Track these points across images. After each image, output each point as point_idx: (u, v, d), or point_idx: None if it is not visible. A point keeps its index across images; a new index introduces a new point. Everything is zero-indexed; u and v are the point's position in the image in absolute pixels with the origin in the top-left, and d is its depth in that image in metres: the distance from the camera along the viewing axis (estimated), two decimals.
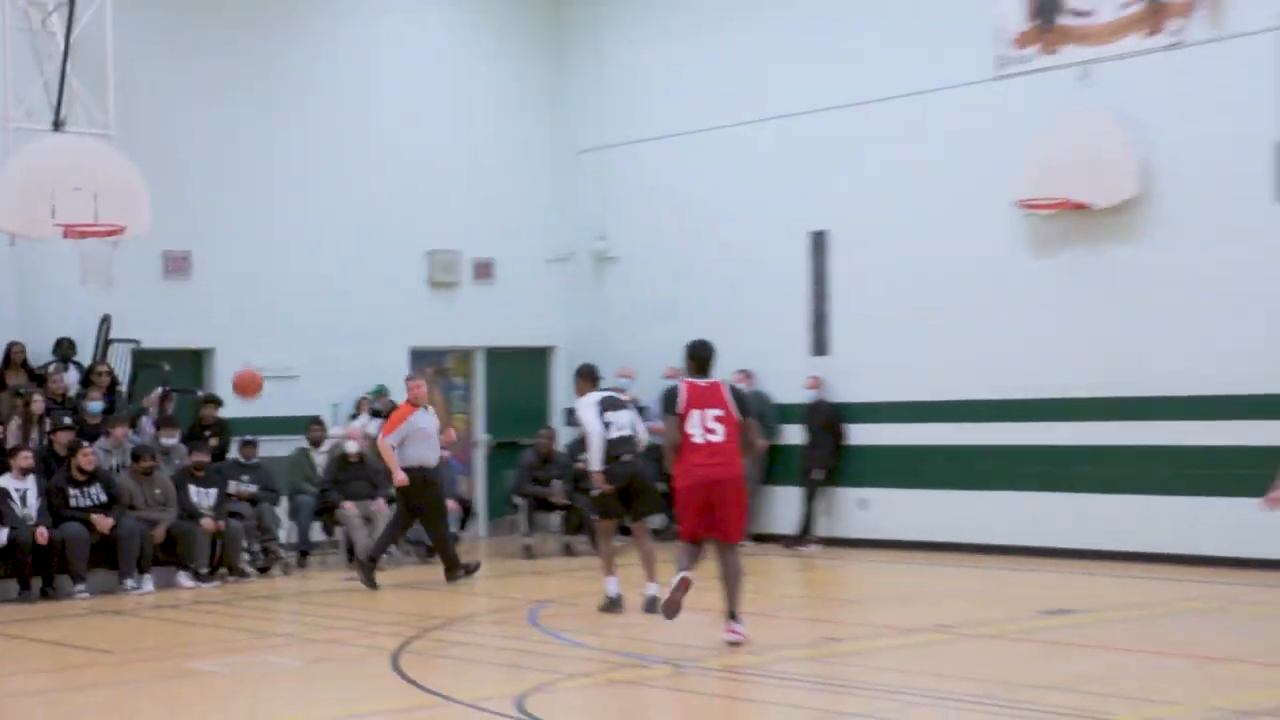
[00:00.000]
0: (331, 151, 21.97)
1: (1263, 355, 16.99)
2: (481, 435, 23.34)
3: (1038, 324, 18.79)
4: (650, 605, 14.26)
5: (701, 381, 13.00)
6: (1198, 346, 17.56)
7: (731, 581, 12.76)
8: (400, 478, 17.32)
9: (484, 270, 23.21)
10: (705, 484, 12.68)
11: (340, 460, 19.69)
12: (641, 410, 15.77)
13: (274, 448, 20.19)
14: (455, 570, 17.61)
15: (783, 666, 12.19)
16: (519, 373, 23.46)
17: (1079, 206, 18.26)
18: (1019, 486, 18.93)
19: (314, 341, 21.51)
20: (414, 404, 17.78)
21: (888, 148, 20.16)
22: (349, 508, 19.27)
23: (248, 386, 18.93)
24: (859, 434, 20.43)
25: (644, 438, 15.08)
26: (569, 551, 20.19)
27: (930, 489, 19.75)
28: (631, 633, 13.77)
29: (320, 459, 20.07)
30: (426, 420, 17.73)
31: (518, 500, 20.57)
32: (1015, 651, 12.51)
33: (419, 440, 17.56)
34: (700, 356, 13.14)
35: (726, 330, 20.09)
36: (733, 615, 12.77)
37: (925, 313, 19.76)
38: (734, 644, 12.62)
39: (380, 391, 21.38)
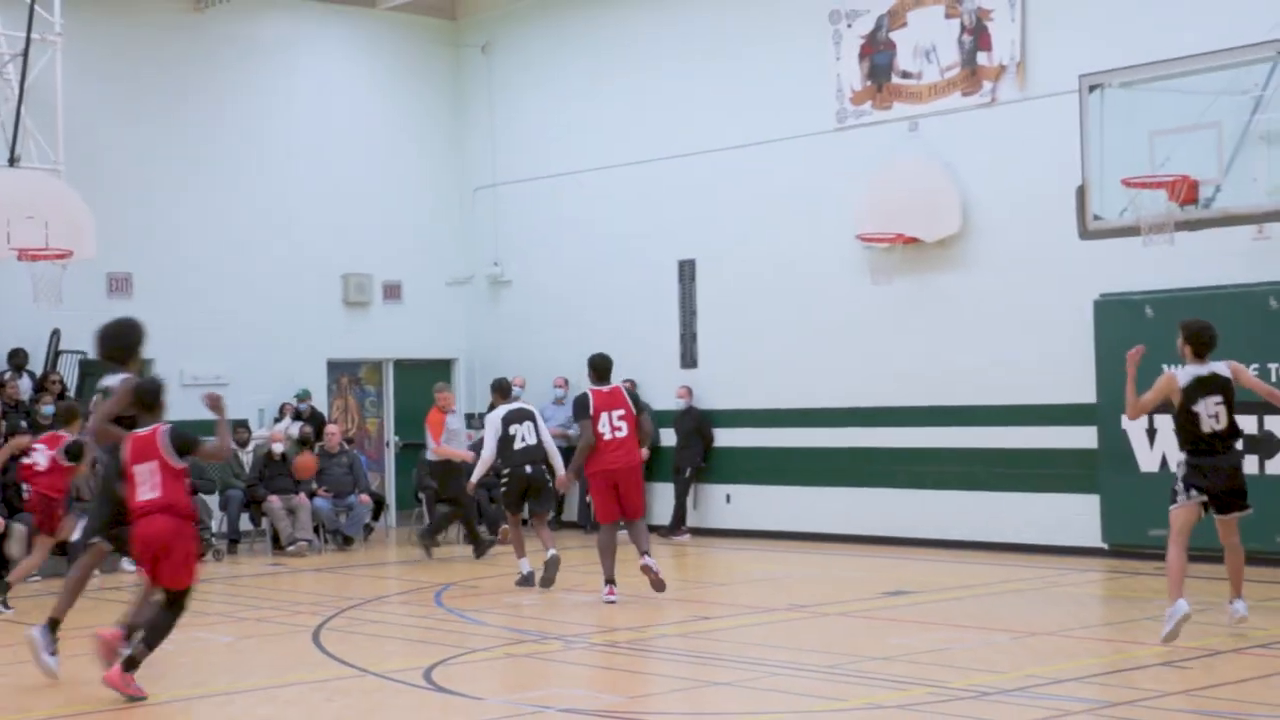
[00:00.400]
0: (258, 185, 21.80)
1: (1068, 369, 17.10)
2: (391, 437, 23.06)
3: (877, 341, 18.82)
4: (528, 582, 14.99)
5: (604, 388, 14.03)
6: (1012, 362, 17.66)
7: (640, 535, 13.92)
8: (466, 455, 17.53)
9: (393, 291, 22.99)
10: (616, 471, 13.78)
11: (266, 458, 19.46)
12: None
13: None
14: (481, 546, 17.88)
15: (660, 642, 12.12)
16: (424, 381, 23.01)
17: (910, 240, 18.33)
18: (863, 483, 18.92)
19: (242, 353, 21.29)
20: (443, 410, 18.18)
21: (746, 188, 20.17)
22: (274, 501, 19.05)
23: (308, 468, 19.08)
24: (723, 437, 20.35)
25: (550, 442, 15.26)
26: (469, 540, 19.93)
27: (786, 485, 19.69)
28: (526, 612, 13.68)
29: (247, 458, 19.81)
30: (456, 422, 18.34)
31: (421, 494, 20.32)
32: (861, 628, 12.49)
33: (451, 439, 18.10)
34: (601, 368, 14.18)
35: (606, 346, 19.84)
36: (645, 553, 13.81)
37: (780, 331, 19.74)
38: (651, 571, 13.69)
39: (304, 394, 21.24)
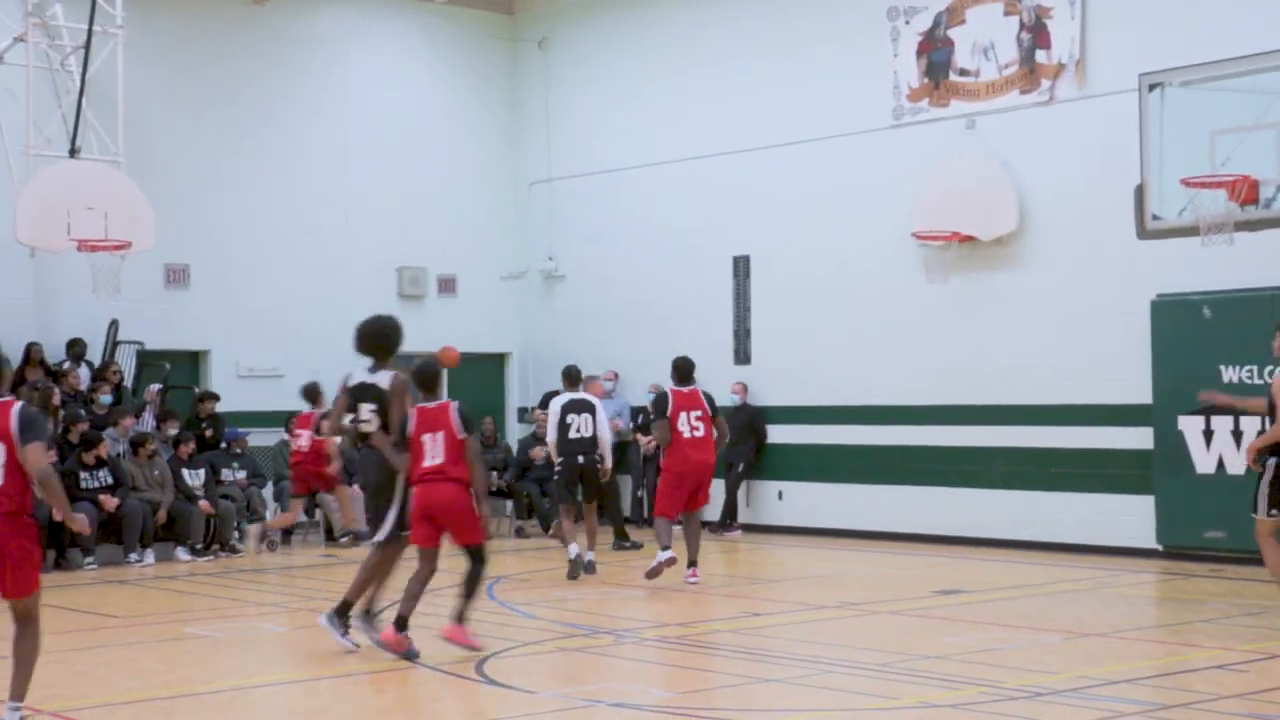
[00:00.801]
0: (315, 178, 21.88)
1: (1124, 370, 17.00)
2: None
3: (931, 340, 18.76)
4: (575, 570, 15.33)
5: (684, 389, 14.75)
6: (1068, 361, 17.56)
7: (694, 539, 14.77)
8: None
9: (447, 285, 23.05)
10: (695, 468, 14.54)
11: None
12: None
13: (261, 438, 20.05)
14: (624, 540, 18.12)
15: (711, 638, 12.10)
16: (478, 376, 23.26)
17: (967, 238, 18.26)
18: (916, 481, 18.87)
19: (296, 345, 21.36)
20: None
21: (802, 184, 20.13)
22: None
23: (453, 358, 18.91)
24: (776, 433, 20.32)
25: (605, 435, 15.49)
26: (520, 534, 19.99)
27: (838, 483, 19.66)
28: (577, 606, 13.68)
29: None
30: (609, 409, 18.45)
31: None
32: (913, 626, 12.44)
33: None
34: (684, 369, 14.85)
35: (659, 341, 20.09)
36: (693, 563, 14.61)
37: (834, 329, 19.71)
38: (693, 583, 14.43)
39: None
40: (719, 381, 20.52)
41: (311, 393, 18.29)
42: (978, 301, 18.36)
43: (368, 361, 11.53)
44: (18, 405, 8.31)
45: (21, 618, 8.50)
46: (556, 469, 15.70)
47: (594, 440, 15.48)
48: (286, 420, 19.23)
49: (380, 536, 11.19)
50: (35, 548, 8.47)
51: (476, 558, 10.95)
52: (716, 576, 15.34)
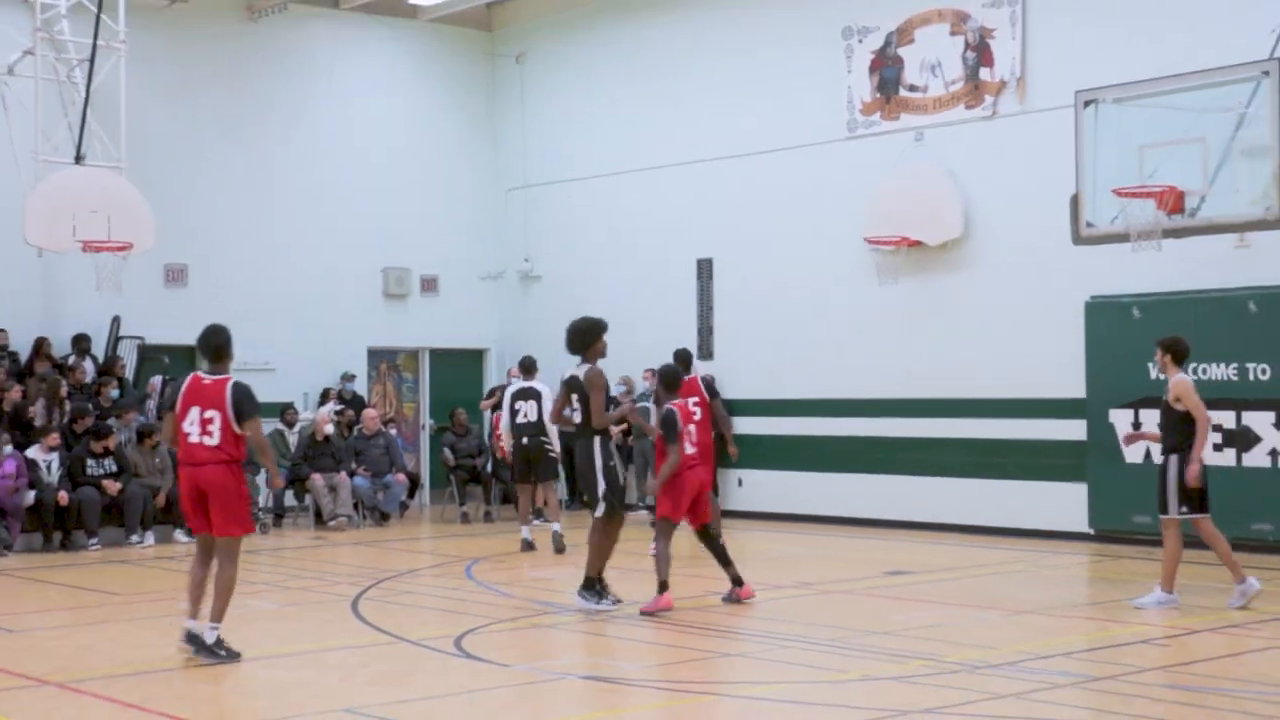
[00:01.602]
0: (306, 184, 21.87)
1: (1060, 366, 17.14)
2: (426, 420, 23.15)
3: (882, 338, 18.86)
4: (555, 541, 16.04)
5: (684, 377, 15.03)
6: (1008, 358, 17.69)
7: (714, 513, 14.64)
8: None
9: (430, 284, 23.06)
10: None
11: (311, 439, 19.51)
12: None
13: None
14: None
15: (676, 615, 12.08)
16: (457, 369, 23.32)
17: (915, 244, 18.36)
18: (868, 470, 18.96)
19: (289, 340, 21.38)
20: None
21: (762, 191, 20.20)
22: (317, 479, 19.09)
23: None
24: (737, 425, 20.14)
25: (548, 420, 15.70)
26: (489, 519, 19.97)
27: (795, 471, 19.73)
28: (549, 585, 13.73)
29: (293, 438, 19.87)
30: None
31: (452, 476, 20.36)
32: (863, 604, 12.54)
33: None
34: (684, 359, 15.24)
35: (628, 339, 20.02)
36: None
37: (791, 327, 19.79)
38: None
39: (348, 376, 21.43)
40: None
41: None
42: (925, 302, 18.47)
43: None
44: (231, 383, 9.60)
45: (219, 556, 9.55)
46: (511, 452, 16.46)
47: (539, 424, 16.02)
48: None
49: (599, 512, 11.84)
50: (241, 494, 9.54)
51: (709, 530, 12.23)
52: (679, 559, 15.37)
